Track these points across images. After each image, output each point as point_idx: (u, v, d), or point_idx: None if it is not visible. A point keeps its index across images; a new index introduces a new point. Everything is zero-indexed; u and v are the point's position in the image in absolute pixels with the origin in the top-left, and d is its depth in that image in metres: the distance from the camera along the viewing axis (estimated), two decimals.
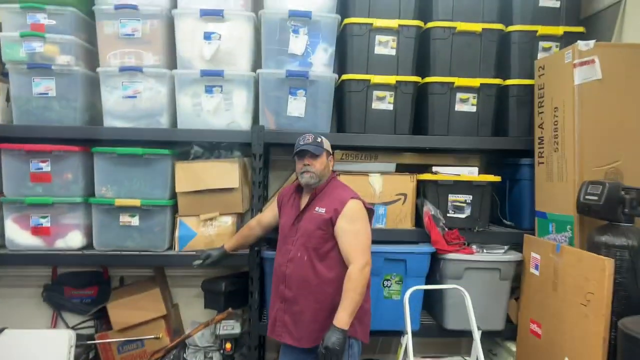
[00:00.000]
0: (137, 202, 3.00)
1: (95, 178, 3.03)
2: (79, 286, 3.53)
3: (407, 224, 3.14)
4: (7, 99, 3.06)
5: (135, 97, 3.04)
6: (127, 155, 3.01)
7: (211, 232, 3.10)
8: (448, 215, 3.11)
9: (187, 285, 3.65)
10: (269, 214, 2.84)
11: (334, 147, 3.09)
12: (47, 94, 3.00)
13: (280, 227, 2.65)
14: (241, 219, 3.22)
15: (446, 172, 3.13)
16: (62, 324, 3.53)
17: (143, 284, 3.43)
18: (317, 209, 2.50)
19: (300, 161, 2.55)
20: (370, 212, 2.53)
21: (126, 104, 3.05)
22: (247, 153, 3.15)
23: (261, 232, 2.90)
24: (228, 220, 3.13)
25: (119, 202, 3.00)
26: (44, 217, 3.01)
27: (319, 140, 2.56)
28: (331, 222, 2.44)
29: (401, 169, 3.25)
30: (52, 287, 3.51)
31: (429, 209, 3.06)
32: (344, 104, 3.15)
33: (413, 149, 3.27)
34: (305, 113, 3.09)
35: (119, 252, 3.03)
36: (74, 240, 3.04)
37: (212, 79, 3.04)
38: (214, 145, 3.20)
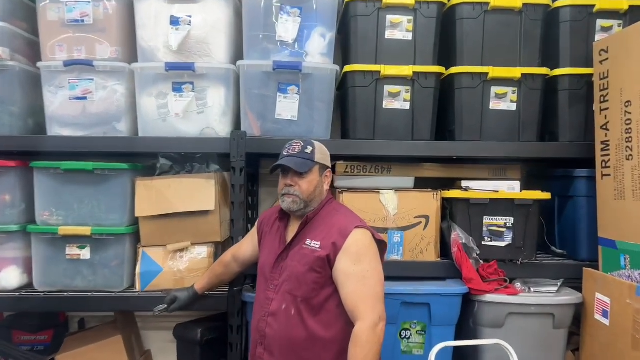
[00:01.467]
0: (86, 231, 2.37)
1: (35, 200, 2.41)
2: (30, 330, 2.91)
3: (431, 254, 2.45)
4: None
5: (86, 98, 2.43)
6: (75, 171, 2.38)
7: (182, 266, 2.45)
8: (483, 243, 2.42)
9: (161, 328, 3.00)
10: (248, 245, 2.18)
11: (336, 158, 2.44)
12: None
13: (260, 266, 1.99)
14: (221, 249, 2.57)
15: (479, 188, 2.45)
16: None
17: (104, 329, 2.79)
18: (308, 242, 1.84)
19: (283, 179, 1.91)
20: (381, 245, 1.87)
21: (74, 107, 2.43)
22: (228, 166, 2.51)
23: (239, 269, 2.24)
24: (203, 252, 2.48)
25: (64, 230, 2.37)
26: None
27: (309, 150, 1.90)
28: (328, 262, 1.79)
29: (421, 184, 2.57)
30: None
31: (458, 235, 2.37)
32: (348, 103, 2.50)
33: (436, 159, 2.59)
34: (299, 115, 2.45)
35: (63, 294, 2.39)
36: (9, 278, 2.42)
37: (181, 74, 2.41)
38: (185, 158, 2.57)
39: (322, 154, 1.95)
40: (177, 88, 2.43)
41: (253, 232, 2.16)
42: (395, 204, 2.45)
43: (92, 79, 2.42)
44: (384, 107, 2.44)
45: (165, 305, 2.29)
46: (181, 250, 2.46)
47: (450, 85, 2.49)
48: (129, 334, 2.78)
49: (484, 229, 2.42)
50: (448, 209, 2.49)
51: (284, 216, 1.98)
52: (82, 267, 2.42)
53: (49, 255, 2.42)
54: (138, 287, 2.44)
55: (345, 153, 2.42)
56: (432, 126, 2.47)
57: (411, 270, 2.42)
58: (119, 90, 2.44)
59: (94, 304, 2.40)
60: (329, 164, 1.99)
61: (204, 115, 2.45)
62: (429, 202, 2.46)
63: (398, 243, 2.43)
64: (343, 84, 2.56)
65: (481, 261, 2.37)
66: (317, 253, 1.80)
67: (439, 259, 2.47)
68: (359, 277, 1.74)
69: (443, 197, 2.47)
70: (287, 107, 2.44)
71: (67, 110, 2.43)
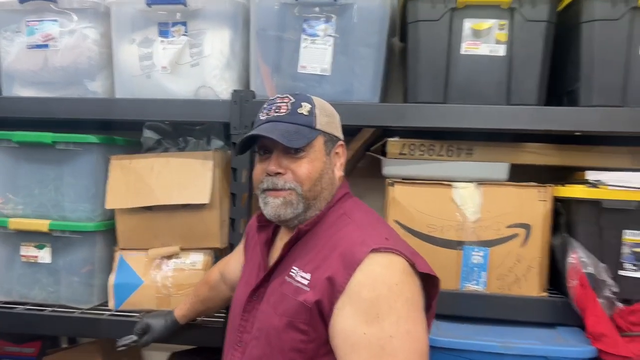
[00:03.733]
0: (43, 225, 1.76)
1: None
2: (17, 340, 2.39)
3: (532, 285, 1.56)
4: None
5: (47, 46, 1.79)
6: (33, 145, 1.78)
7: (168, 280, 1.77)
8: (622, 273, 1.49)
9: (168, 349, 2.35)
10: (236, 261, 1.44)
11: (388, 132, 1.65)
12: None
13: (232, 303, 1.24)
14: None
15: (618, 184, 1.51)
16: None
17: (86, 349, 2.20)
18: (294, 271, 1.06)
19: (262, 163, 1.13)
20: (430, 282, 1.04)
21: (34, 58, 1.81)
22: None
23: (231, 292, 1.49)
24: (197, 262, 1.78)
25: (16, 223, 1.78)
26: None
27: (305, 109, 1.11)
28: (320, 313, 1.00)
29: (519, 174, 1.67)
30: None
31: (580, 259, 1.46)
32: (408, 49, 1.65)
33: (544, 136, 1.67)
34: (333, 67, 1.65)
35: (12, 309, 1.79)
36: None
37: (168, 10, 1.71)
38: (179, 129, 1.87)
39: (328, 116, 1.15)
40: (164, 31, 1.73)
41: (242, 243, 1.41)
42: (477, 205, 1.58)
43: (56, 20, 1.78)
44: (462, 52, 1.57)
45: (135, 337, 1.62)
46: (168, 257, 1.78)
47: (574, 19, 1.55)
48: (116, 356, 2.16)
49: (626, 250, 1.48)
50: (563, 215, 1.58)
51: (267, 223, 1.20)
52: (42, 273, 1.82)
53: (2, 255, 1.84)
54: (111, 304, 1.80)
55: (401, 125, 1.58)
56: (540, 83, 1.55)
57: (499, 310, 1.55)
58: (90, 35, 1.79)
59: (50, 325, 1.77)
60: (340, 134, 1.18)
61: (199, 68, 1.72)
62: (532, 204, 1.56)
63: (479, 266, 1.57)
64: (402, 21, 1.72)
65: (619, 303, 1.45)
66: (302, 295, 1.01)
67: (546, 294, 1.57)
68: (373, 347, 0.92)
69: (556, 197, 1.57)
70: (316, 55, 1.65)
71: (26, 63, 1.82)
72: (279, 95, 1.15)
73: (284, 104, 1.11)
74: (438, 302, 1.49)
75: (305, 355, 1.00)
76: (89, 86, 1.81)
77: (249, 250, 1.27)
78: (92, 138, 1.75)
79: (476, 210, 1.58)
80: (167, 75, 1.74)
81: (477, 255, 1.57)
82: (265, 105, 1.15)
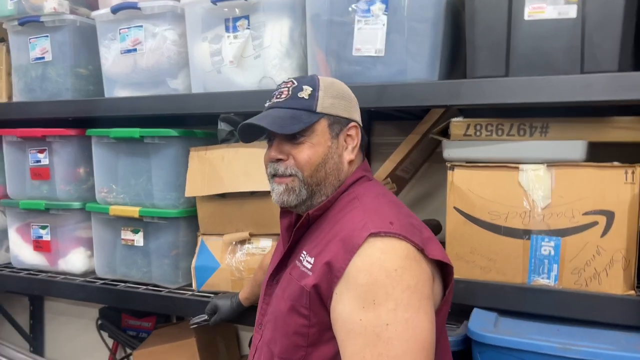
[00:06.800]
0: (134, 212, 1.96)
1: (94, 173, 2.10)
2: (138, 315, 2.71)
3: (615, 282, 1.35)
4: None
5: (136, 50, 1.98)
6: (126, 140, 1.99)
7: (241, 264, 1.86)
8: None
9: None
10: None
11: (461, 111, 1.56)
12: (43, 58, 2.17)
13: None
14: None
15: None
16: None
17: (185, 327, 2.38)
18: (303, 255, 1.05)
19: (268, 149, 1.13)
20: (444, 270, 0.96)
21: (126, 62, 2.01)
22: None
23: None
24: (267, 246, 1.84)
25: (115, 210, 2.01)
26: (43, 228, 2.21)
27: (305, 93, 1.09)
28: (319, 298, 0.97)
29: (598, 153, 1.45)
30: (107, 313, 2.76)
31: None
32: (466, 20, 1.52)
33: (630, 107, 1.42)
34: (387, 48, 1.58)
35: (114, 286, 2.03)
36: (75, 261, 2.17)
37: (232, 6, 1.78)
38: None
39: (335, 98, 1.10)
40: (229, 26, 1.81)
41: None
42: (548, 189, 1.40)
43: (141, 26, 1.96)
44: (526, 18, 1.39)
45: (206, 316, 1.75)
46: (241, 242, 1.87)
47: None
48: (210, 336, 2.32)
49: None
50: None
51: (288, 209, 1.19)
52: (137, 255, 2.03)
53: (107, 238, 2.09)
54: (194, 285, 1.94)
55: (455, 103, 1.46)
56: (622, 46, 1.32)
57: (572, 308, 1.36)
58: (169, 36, 1.93)
59: (142, 301, 1.98)
60: (354, 115, 1.13)
61: (261, 60, 1.77)
62: (617, 187, 1.35)
63: (550, 257, 1.39)
64: None
65: None
66: (304, 279, 0.99)
67: (634, 292, 1.35)
68: (368, 334, 0.88)
69: None
70: (370, 36, 1.59)
71: (119, 66, 2.03)
72: (284, 80, 1.14)
73: (286, 88, 1.10)
74: (502, 296, 1.38)
75: (307, 340, 0.99)
76: (170, 84, 1.97)
77: (280, 235, 1.29)
78: (173, 132, 1.91)
79: (546, 195, 1.40)
80: (234, 68, 1.81)
81: (547, 246, 1.40)
82: (273, 91, 1.15)
